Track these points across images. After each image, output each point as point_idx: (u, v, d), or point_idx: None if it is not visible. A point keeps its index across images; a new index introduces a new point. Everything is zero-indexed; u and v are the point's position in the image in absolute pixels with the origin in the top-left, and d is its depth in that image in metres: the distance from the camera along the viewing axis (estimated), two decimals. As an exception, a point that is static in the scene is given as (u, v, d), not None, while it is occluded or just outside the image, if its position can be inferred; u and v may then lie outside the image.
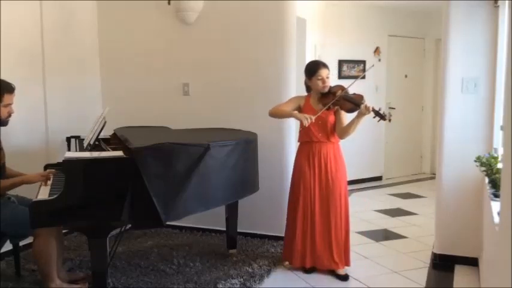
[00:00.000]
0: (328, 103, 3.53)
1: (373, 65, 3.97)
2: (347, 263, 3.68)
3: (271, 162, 4.24)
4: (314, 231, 3.61)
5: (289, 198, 3.78)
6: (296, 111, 3.60)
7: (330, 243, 3.59)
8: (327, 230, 3.60)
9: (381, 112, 3.44)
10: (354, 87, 3.59)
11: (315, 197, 3.60)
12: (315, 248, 3.62)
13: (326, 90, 3.59)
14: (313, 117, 3.44)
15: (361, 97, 3.51)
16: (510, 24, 2.13)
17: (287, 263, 3.77)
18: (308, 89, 3.73)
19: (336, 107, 3.58)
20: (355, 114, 3.51)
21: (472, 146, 3.65)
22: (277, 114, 3.71)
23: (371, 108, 3.42)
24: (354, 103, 3.49)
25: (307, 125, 3.43)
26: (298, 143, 3.78)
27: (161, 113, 4.65)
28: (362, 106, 3.43)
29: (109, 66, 4.89)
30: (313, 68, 3.62)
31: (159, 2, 4.50)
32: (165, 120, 4.39)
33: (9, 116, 3.15)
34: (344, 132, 3.59)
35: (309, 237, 3.63)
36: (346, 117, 3.61)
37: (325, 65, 3.63)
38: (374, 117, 3.46)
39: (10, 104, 3.12)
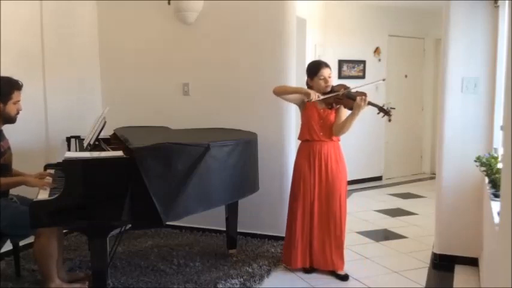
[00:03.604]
0: (331, 100, 3.52)
1: (384, 79, 3.98)
2: (339, 266, 3.63)
3: (271, 162, 4.24)
4: (313, 232, 3.60)
5: (289, 199, 3.76)
6: (300, 87, 3.60)
7: (329, 244, 3.58)
8: (326, 231, 3.58)
9: (385, 108, 3.41)
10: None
11: (315, 197, 3.59)
12: (314, 249, 3.61)
13: (328, 90, 3.57)
14: (321, 96, 3.47)
15: (363, 94, 3.47)
16: (510, 24, 2.13)
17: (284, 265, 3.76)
18: (310, 89, 3.68)
19: (338, 106, 3.56)
20: None
21: (472, 146, 3.65)
22: (283, 90, 3.67)
23: (367, 100, 3.39)
24: (354, 99, 3.46)
25: (313, 100, 3.43)
26: (299, 142, 3.75)
27: (161, 113, 4.64)
28: (358, 98, 3.40)
29: (109, 66, 4.89)
30: (315, 68, 3.60)
31: (159, 2, 4.50)
32: (165, 120, 4.39)
33: (18, 113, 3.18)
34: (339, 127, 3.55)
35: (307, 239, 3.62)
36: (346, 116, 3.59)
37: (327, 65, 3.62)
38: (378, 113, 3.44)
39: (18, 101, 3.16)
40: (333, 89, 3.57)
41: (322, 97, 3.49)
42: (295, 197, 3.67)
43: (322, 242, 3.60)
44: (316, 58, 6.09)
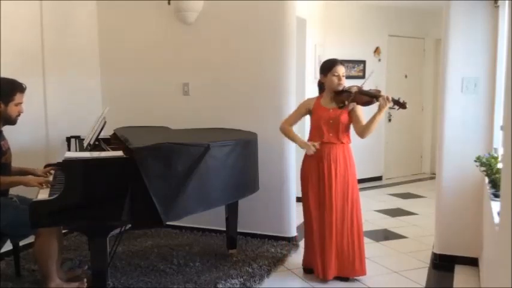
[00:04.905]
0: (343, 100, 3.46)
1: (372, 72, 4.04)
2: (361, 272, 3.55)
3: (271, 162, 4.24)
4: (318, 238, 3.52)
5: (302, 205, 3.65)
6: (300, 139, 3.61)
7: (336, 250, 3.49)
8: (333, 236, 3.48)
9: (401, 101, 3.34)
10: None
11: (321, 202, 3.50)
12: (324, 257, 3.50)
13: (341, 88, 3.50)
14: (317, 144, 3.45)
15: (378, 91, 3.43)
16: (510, 24, 2.13)
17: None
18: (321, 89, 3.64)
19: (352, 106, 3.48)
20: (367, 112, 3.44)
21: (472, 145, 3.65)
22: (284, 135, 3.71)
23: (390, 98, 3.31)
24: (370, 95, 3.40)
25: (311, 154, 3.46)
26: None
27: (161, 113, 4.65)
28: (380, 98, 3.33)
29: (109, 66, 4.90)
30: (329, 65, 3.54)
31: (159, 2, 4.50)
32: (165, 120, 4.40)
33: (19, 115, 3.19)
34: (366, 129, 3.45)
35: (311, 244, 3.56)
36: (364, 115, 3.51)
37: (341, 63, 3.56)
38: (393, 106, 3.36)
39: (20, 103, 3.17)
40: (345, 89, 3.50)
41: (318, 144, 3.45)
42: (303, 201, 3.62)
43: (331, 249, 3.49)
44: (316, 58, 6.10)
